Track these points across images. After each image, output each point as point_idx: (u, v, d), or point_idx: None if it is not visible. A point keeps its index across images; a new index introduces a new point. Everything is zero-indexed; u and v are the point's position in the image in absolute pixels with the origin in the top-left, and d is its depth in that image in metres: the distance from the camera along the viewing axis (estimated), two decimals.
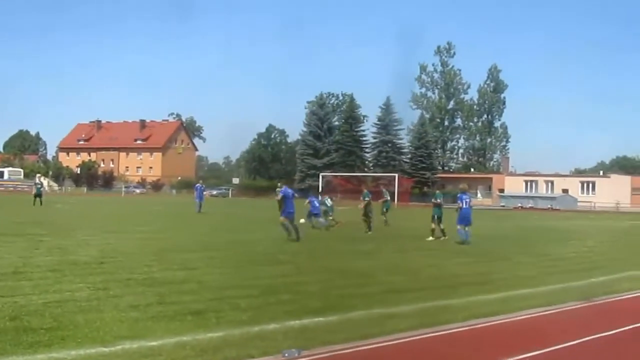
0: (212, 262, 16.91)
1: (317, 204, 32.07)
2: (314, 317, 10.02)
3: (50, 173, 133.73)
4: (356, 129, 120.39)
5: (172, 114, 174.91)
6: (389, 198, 33.26)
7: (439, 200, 26.68)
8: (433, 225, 26.05)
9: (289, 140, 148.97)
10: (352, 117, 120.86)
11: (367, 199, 29.86)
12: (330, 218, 33.28)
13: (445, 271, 16.65)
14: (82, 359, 7.47)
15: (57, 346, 7.88)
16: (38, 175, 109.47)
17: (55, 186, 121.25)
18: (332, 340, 8.73)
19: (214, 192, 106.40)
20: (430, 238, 25.55)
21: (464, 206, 24.59)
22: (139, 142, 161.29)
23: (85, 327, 8.90)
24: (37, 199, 48.03)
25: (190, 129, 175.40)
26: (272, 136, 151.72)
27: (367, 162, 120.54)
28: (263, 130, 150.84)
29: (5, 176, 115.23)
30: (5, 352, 7.56)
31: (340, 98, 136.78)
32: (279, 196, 24.86)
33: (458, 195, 25.59)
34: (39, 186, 52.04)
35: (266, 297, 11.70)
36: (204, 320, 9.67)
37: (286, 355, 8.01)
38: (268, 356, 7.96)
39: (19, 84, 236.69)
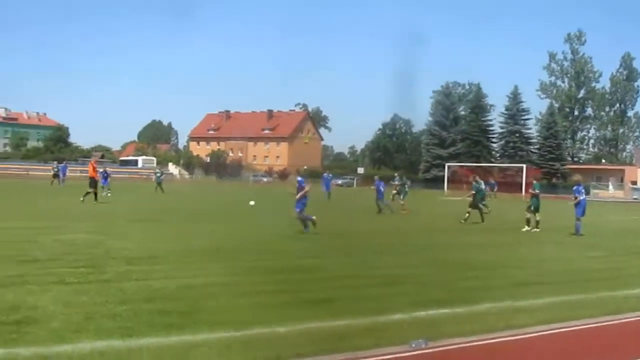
0: (336, 251, 17.03)
1: (382, 189, 33.64)
2: (439, 309, 9.92)
3: (182, 162, 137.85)
4: (483, 119, 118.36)
5: (299, 104, 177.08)
6: (483, 187, 32.88)
7: (537, 191, 26.18)
8: (528, 215, 25.71)
9: (414, 130, 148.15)
10: (479, 107, 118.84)
11: (474, 190, 29.51)
12: (402, 203, 35.18)
13: (575, 265, 16.15)
14: (214, 342, 7.65)
15: (189, 329, 8.11)
16: (163, 164, 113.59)
17: (186, 174, 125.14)
18: (460, 333, 8.63)
19: (339, 182, 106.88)
20: (526, 228, 25.32)
21: (582, 197, 24.12)
22: (266, 131, 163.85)
23: (217, 311, 9.14)
24: (159, 186, 49.89)
25: (316, 119, 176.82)
26: (397, 126, 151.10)
27: (493, 152, 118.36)
28: (388, 120, 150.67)
29: (140, 164, 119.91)
30: (140, 333, 7.83)
31: (467, 87, 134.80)
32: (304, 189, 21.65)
33: (574, 187, 24.98)
34: (159, 174, 53.96)
35: (391, 287, 11.69)
36: (330, 308, 9.75)
37: (413, 345, 7.97)
38: (395, 346, 7.94)
39: (153, 77, 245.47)
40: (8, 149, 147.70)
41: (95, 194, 32.43)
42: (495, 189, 62.47)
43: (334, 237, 20.54)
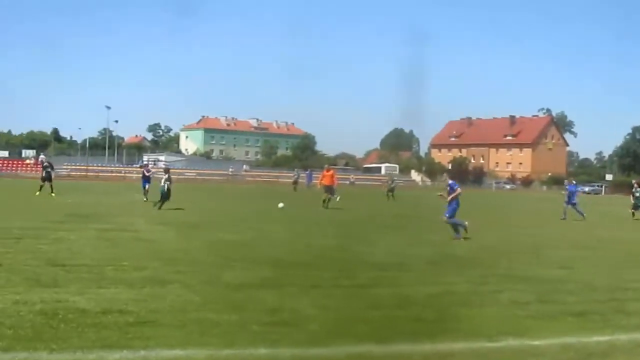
0: (588, 262, 16.26)
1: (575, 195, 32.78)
2: None
3: (424, 168, 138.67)
4: None
5: (542, 109, 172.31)
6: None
7: None
8: None
9: None
10: None
11: None
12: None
13: None
14: (468, 352, 7.57)
15: (442, 337, 8.04)
16: (405, 171, 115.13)
17: (428, 181, 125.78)
18: None
19: (586, 189, 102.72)
20: None
21: None
22: (508, 138, 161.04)
23: (468, 320, 9.03)
24: (391, 193, 50.07)
25: (560, 124, 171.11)
26: None
27: None
28: (639, 123, 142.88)
29: (382, 171, 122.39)
30: (393, 340, 7.89)
31: None
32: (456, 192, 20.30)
33: None
34: (390, 182, 54.09)
35: None
36: (587, 322, 9.30)
37: None
38: None
39: (395, 86, 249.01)
40: (259, 156, 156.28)
41: (328, 200, 33.50)
42: None
43: (585, 247, 19.67)
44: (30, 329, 7.68)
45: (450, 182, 20.96)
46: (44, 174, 38.02)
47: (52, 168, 39.63)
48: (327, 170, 35.67)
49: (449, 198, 20.21)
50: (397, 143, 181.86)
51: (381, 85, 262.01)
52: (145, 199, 32.49)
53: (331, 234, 20.52)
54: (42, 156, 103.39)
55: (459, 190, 20.29)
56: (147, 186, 33.91)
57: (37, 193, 35.98)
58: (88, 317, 8.34)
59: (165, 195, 28.47)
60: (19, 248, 14.27)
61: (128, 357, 6.85)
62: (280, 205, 30.75)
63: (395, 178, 60.25)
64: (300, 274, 12.31)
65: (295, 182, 61.52)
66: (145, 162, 79.91)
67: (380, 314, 9.15)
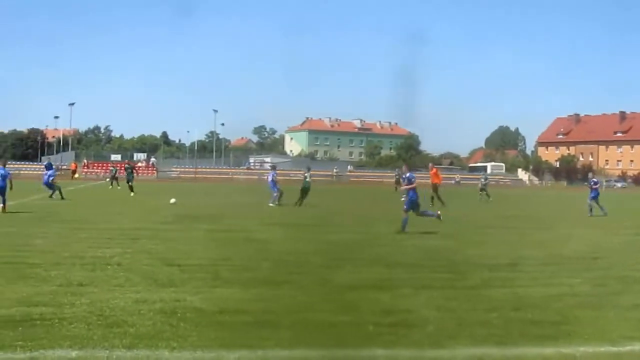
0: None
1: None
2: None
3: (531, 167, 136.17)
4: None
5: None
6: None
7: None
8: None
9: None
10: None
11: None
12: None
13: None
14: (591, 356, 7.31)
15: (563, 341, 7.79)
16: (512, 170, 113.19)
17: (535, 180, 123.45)
18: None
19: None
20: None
21: None
22: (618, 134, 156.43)
23: (589, 323, 8.70)
24: (483, 192, 48.77)
25: None
26: None
27: None
28: None
29: (488, 170, 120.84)
30: (513, 342, 7.69)
31: None
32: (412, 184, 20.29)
33: None
34: (483, 180, 52.69)
35: None
36: None
37: None
38: None
39: (499, 82, 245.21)
40: (363, 157, 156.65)
41: (438, 198, 33.27)
42: None
43: None
44: (151, 327, 7.88)
45: (407, 174, 21.09)
46: (125, 176, 42.20)
47: (132, 171, 43.06)
48: (431, 170, 35.86)
49: (402, 189, 20.40)
50: (503, 141, 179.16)
51: (486, 83, 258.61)
52: (271, 204, 31.27)
53: (437, 234, 20.22)
54: (152, 159, 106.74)
55: (414, 183, 20.36)
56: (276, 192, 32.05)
57: (133, 192, 39.26)
58: (205, 316, 8.50)
59: (307, 190, 31.54)
60: (136, 248, 14.71)
61: (247, 357, 6.92)
62: (172, 200, 30.66)
63: (488, 175, 59.13)
64: (411, 274, 12.21)
65: (398, 182, 61.05)
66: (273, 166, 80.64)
67: (497, 316, 8.93)
